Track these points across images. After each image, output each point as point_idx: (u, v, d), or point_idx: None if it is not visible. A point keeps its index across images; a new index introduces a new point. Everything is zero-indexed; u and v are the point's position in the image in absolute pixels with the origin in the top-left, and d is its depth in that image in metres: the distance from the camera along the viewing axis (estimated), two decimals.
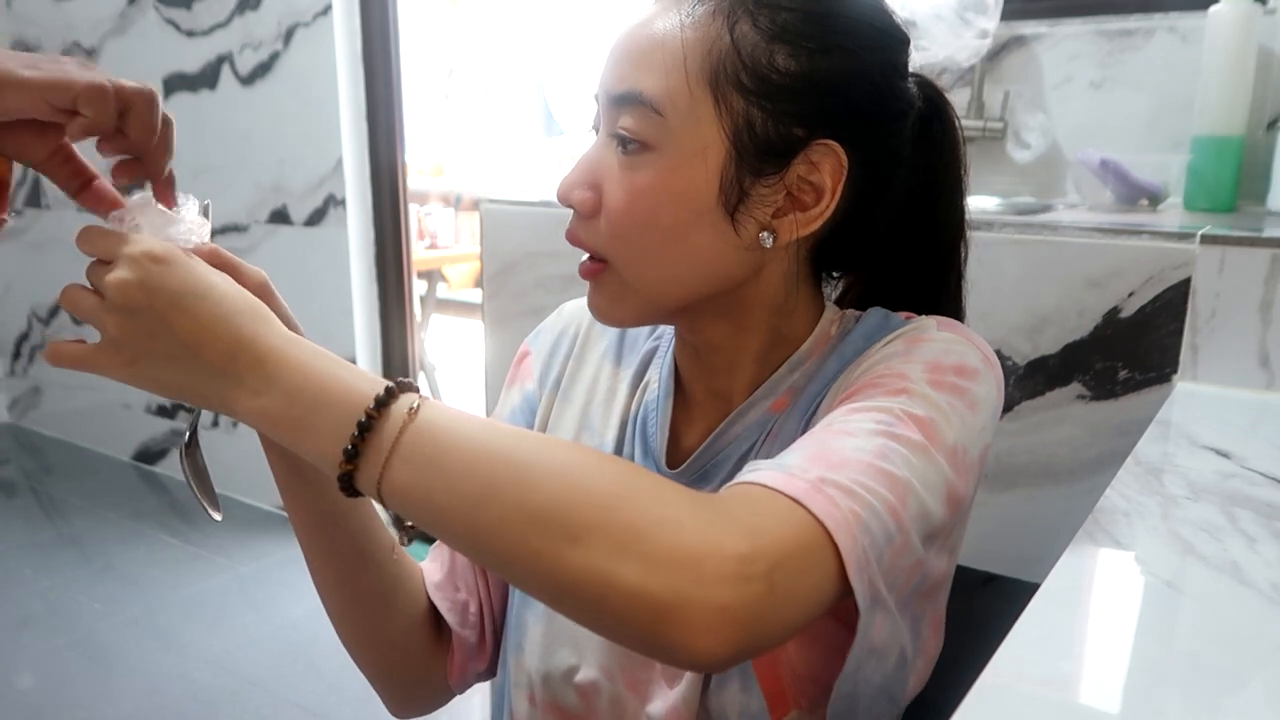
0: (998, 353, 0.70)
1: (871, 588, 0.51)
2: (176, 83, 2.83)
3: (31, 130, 0.56)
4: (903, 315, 0.69)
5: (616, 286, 0.66)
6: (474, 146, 5.55)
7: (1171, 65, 1.53)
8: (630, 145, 0.62)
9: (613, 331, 0.80)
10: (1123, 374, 1.16)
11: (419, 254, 3.64)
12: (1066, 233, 1.18)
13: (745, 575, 0.46)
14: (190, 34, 2.78)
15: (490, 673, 0.82)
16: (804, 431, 0.63)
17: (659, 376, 0.75)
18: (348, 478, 0.52)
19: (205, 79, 2.78)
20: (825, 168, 0.62)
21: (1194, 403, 1.03)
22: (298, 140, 2.64)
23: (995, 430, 0.63)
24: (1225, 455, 0.82)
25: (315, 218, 2.66)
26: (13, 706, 2.01)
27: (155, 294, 0.53)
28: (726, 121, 0.61)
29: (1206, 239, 1.08)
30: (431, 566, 0.79)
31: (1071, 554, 0.63)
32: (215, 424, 2.83)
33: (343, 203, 2.59)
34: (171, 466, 3.23)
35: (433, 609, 0.77)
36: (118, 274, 0.54)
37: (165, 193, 0.60)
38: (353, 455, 0.51)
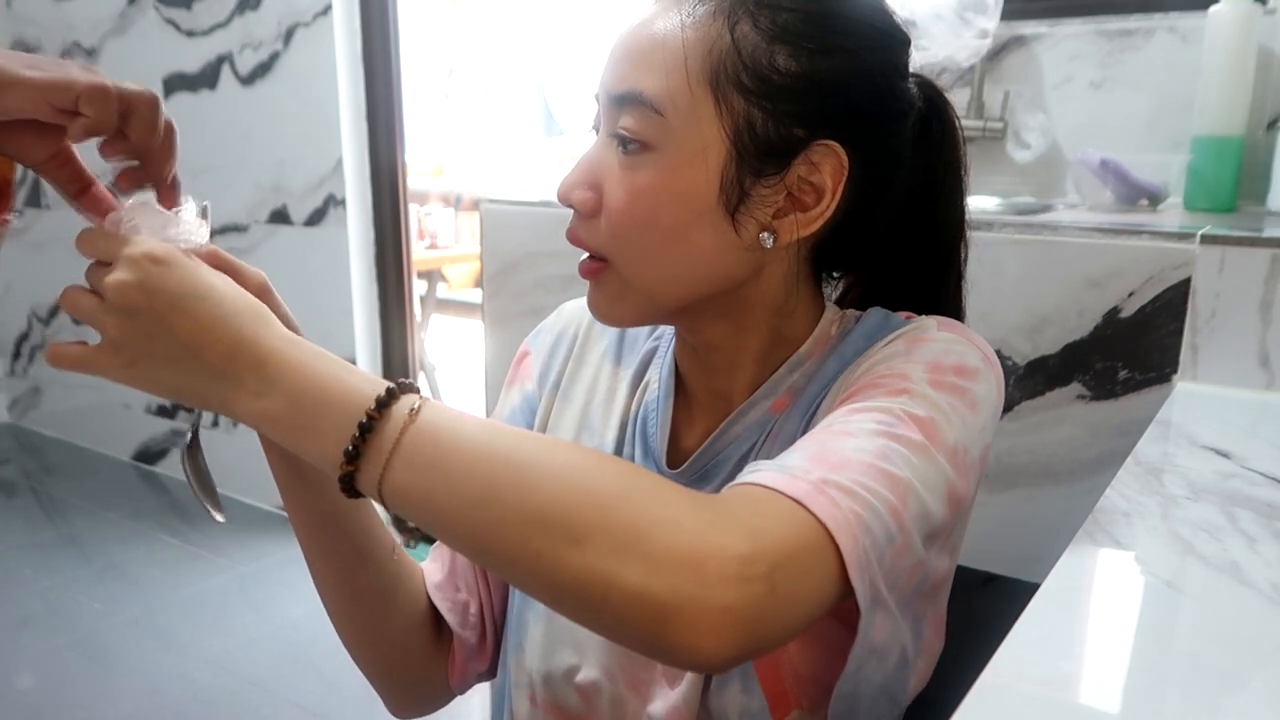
0: (998, 353, 0.70)
1: (873, 588, 0.51)
2: (176, 83, 2.83)
3: (32, 131, 0.56)
4: (903, 315, 0.69)
5: (617, 286, 0.66)
6: (474, 146, 5.54)
7: (1171, 65, 1.53)
8: (631, 145, 0.62)
9: (613, 331, 0.80)
10: (1123, 374, 1.16)
11: (419, 254, 3.64)
12: (1066, 233, 1.18)
13: (747, 576, 0.46)
14: (190, 34, 2.78)
15: (491, 673, 0.82)
16: (804, 431, 0.63)
17: (659, 376, 0.75)
18: (349, 479, 0.52)
19: (205, 79, 2.78)
20: (826, 168, 0.62)
21: (1194, 403, 1.03)
22: (298, 140, 2.64)
23: (995, 430, 0.63)
24: (1225, 455, 0.82)
25: (315, 218, 2.66)
26: (13, 706, 2.01)
27: (155, 295, 0.53)
28: (727, 122, 0.61)
29: (1206, 239, 1.08)
30: (432, 567, 0.79)
31: (1071, 554, 0.63)
32: (215, 424, 2.82)
33: (343, 203, 2.59)
34: (172, 466, 3.23)
35: (433, 609, 0.77)
36: (117, 275, 0.54)
37: (169, 198, 0.61)
38: (354, 456, 0.51)
